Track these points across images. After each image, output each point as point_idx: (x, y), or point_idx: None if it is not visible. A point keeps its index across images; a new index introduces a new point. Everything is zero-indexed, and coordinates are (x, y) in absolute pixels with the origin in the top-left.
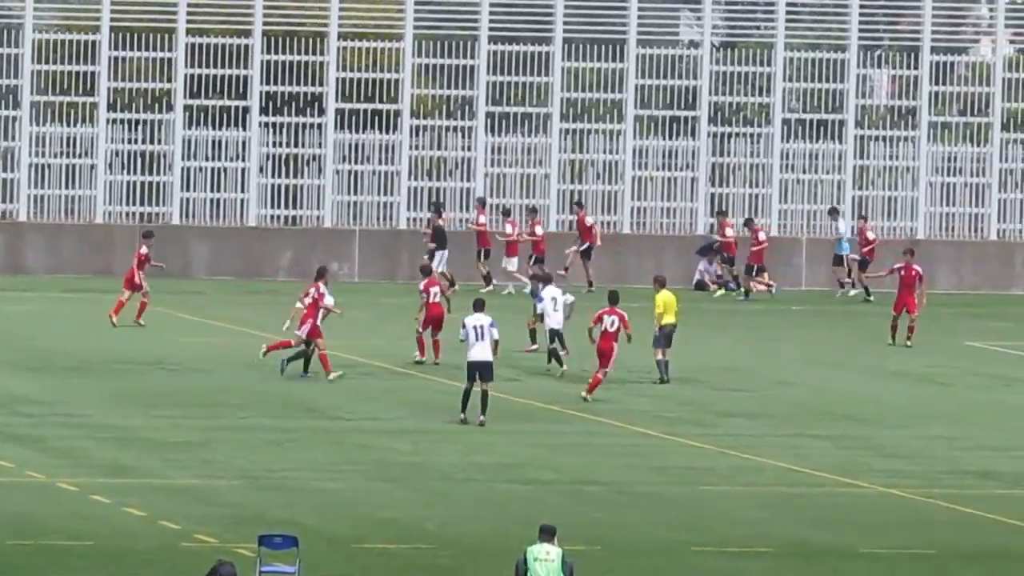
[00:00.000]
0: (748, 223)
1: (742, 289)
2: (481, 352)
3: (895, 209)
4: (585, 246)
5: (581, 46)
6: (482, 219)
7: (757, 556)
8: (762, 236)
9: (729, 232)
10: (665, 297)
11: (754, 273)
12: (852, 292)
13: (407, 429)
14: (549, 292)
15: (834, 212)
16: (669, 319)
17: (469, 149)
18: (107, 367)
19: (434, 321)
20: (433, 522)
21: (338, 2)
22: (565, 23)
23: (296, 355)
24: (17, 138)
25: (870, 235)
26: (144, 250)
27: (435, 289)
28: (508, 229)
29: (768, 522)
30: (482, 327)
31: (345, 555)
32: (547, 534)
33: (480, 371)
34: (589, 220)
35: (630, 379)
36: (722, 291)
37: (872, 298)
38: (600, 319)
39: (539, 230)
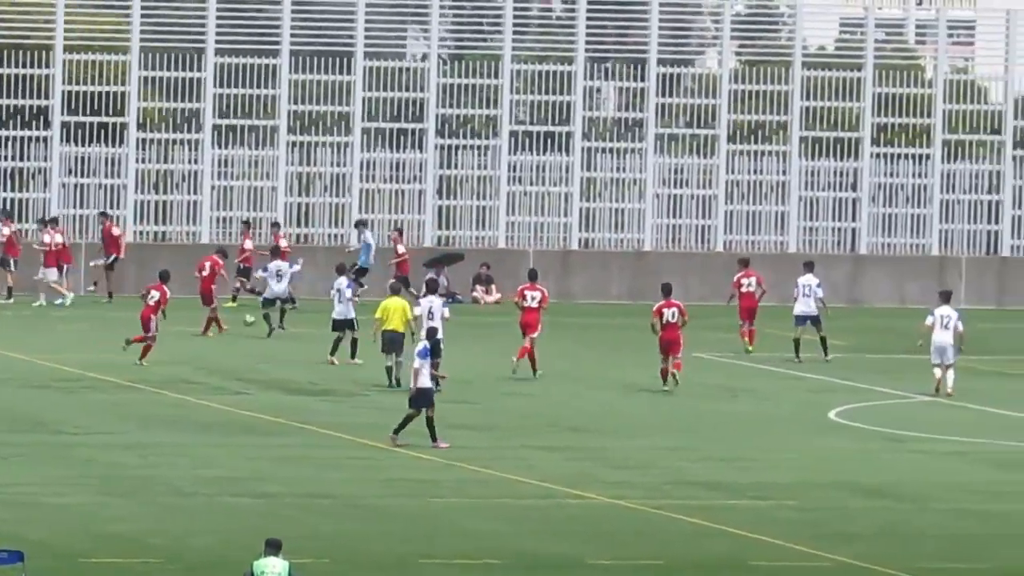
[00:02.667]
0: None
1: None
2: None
3: (622, 221)
4: (111, 258)
5: (308, 58)
6: (115, 231)
7: (485, 568)
8: (401, 249)
9: (248, 244)
10: (388, 303)
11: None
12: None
13: (135, 443)
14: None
15: (361, 224)
16: (391, 325)
17: (196, 162)
18: None
19: (143, 321)
20: (161, 536)
21: (63, 14)
22: (292, 35)
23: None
24: None
25: (400, 248)
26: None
27: (155, 292)
28: (46, 238)
29: (496, 534)
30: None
31: (73, 570)
32: (273, 548)
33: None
34: (116, 231)
35: (357, 392)
36: (233, 303)
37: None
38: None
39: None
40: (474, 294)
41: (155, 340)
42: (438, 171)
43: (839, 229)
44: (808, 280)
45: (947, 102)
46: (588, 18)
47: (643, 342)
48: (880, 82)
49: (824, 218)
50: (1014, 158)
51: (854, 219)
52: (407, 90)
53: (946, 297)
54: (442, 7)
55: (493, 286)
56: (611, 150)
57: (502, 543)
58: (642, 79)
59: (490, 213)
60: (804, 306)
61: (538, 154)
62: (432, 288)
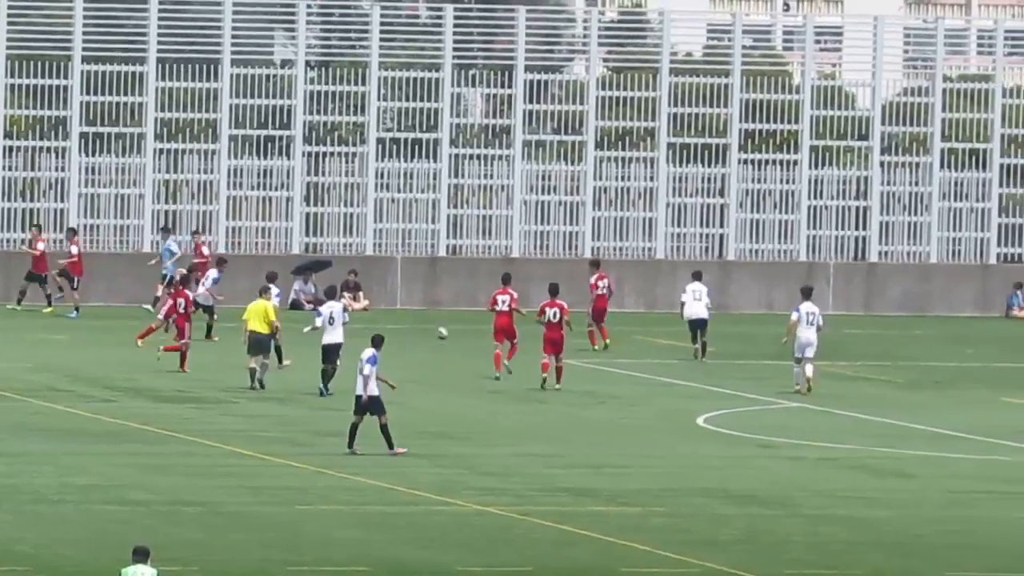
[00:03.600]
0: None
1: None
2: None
3: (490, 228)
4: None
5: (175, 66)
6: None
7: None
8: (206, 251)
9: (41, 247)
10: (252, 306)
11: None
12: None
13: (0, 451)
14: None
15: (166, 231)
16: (254, 327)
17: (63, 170)
18: None
19: (178, 329)
20: (28, 544)
21: None
22: (159, 43)
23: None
24: None
25: (205, 250)
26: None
27: (180, 300)
28: None
29: (365, 541)
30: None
31: None
32: (141, 555)
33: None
34: None
35: (224, 399)
36: (49, 308)
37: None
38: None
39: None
40: (342, 301)
41: (188, 346)
42: (306, 178)
43: (707, 235)
44: (697, 287)
45: (815, 108)
46: (455, 25)
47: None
48: (748, 88)
49: (692, 224)
50: (881, 164)
51: (722, 225)
52: (274, 97)
53: (807, 293)
54: (309, 14)
55: (361, 293)
56: (478, 157)
57: (370, 550)
58: (509, 86)
59: (358, 220)
60: (697, 310)
61: (406, 161)
62: (332, 294)
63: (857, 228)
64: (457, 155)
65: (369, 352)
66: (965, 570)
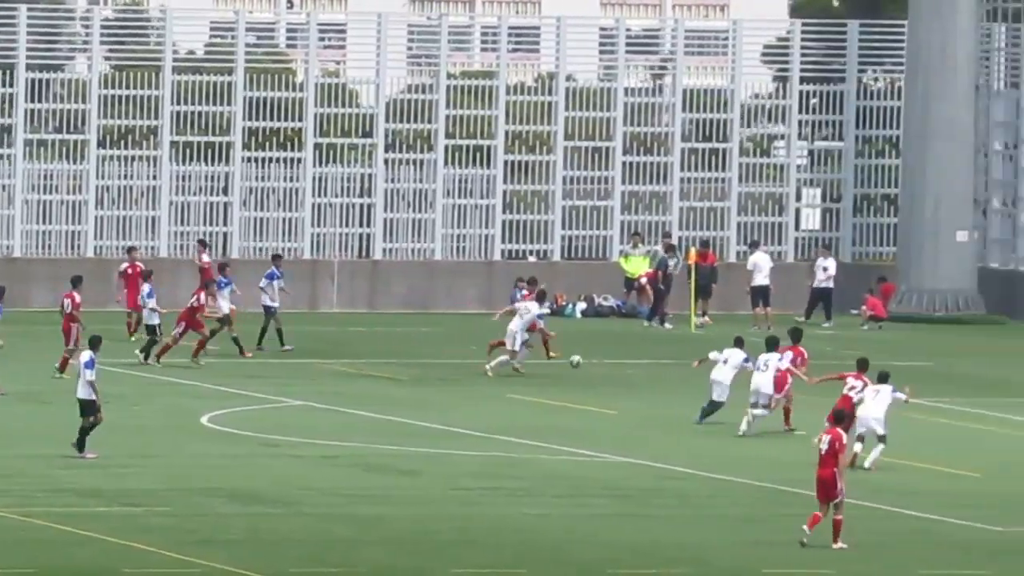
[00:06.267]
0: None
1: None
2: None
3: None
4: None
5: None
6: None
7: None
8: None
9: None
10: None
11: None
12: None
13: None
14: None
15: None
16: None
17: None
18: None
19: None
20: None
21: None
22: None
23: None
24: None
25: None
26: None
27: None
28: None
29: None
30: None
31: None
32: None
33: None
34: None
35: None
36: None
37: None
38: None
39: None
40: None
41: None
42: None
43: (211, 233)
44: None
45: (319, 106)
46: None
47: (17, 352)
48: (251, 86)
49: (195, 223)
50: (386, 161)
51: (226, 223)
52: None
53: (533, 283)
54: None
55: None
56: None
57: None
58: (11, 85)
59: None
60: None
61: None
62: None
63: (361, 225)
64: None
65: (87, 355)
66: (469, 566)
